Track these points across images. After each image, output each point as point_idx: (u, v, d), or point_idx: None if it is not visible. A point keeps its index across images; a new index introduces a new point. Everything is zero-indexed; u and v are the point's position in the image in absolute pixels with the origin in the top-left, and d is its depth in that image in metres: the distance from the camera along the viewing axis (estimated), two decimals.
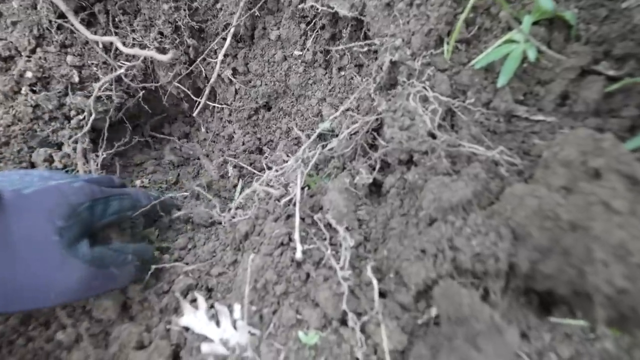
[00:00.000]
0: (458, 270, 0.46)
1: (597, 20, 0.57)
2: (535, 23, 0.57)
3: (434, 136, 0.53)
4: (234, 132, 0.97)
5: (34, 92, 0.74)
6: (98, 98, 0.80)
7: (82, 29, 0.66)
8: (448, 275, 0.46)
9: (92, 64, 0.80)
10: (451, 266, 0.45)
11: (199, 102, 0.83)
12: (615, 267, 0.36)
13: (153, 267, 0.62)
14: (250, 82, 0.91)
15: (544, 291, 0.45)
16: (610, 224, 0.37)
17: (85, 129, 0.73)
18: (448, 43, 0.56)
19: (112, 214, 0.58)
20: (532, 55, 0.51)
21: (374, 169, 0.60)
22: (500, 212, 0.46)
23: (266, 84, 0.89)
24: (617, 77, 0.53)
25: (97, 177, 0.68)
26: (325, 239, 0.55)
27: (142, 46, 0.79)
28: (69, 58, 0.78)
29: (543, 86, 0.55)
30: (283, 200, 0.61)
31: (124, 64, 0.69)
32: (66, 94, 0.74)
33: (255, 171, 0.88)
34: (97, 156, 0.77)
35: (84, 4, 0.78)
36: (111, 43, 0.65)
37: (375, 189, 0.64)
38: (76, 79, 0.77)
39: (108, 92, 0.77)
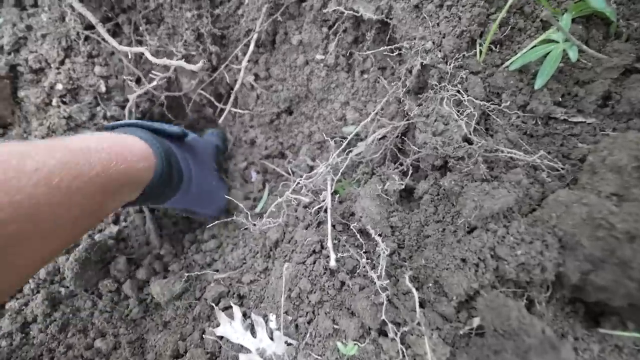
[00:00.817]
0: (501, 280, 0.45)
1: (639, 15, 0.54)
2: (572, 21, 0.55)
3: (469, 141, 0.52)
4: (256, 137, 0.97)
5: (64, 103, 0.76)
6: (122, 107, 0.81)
7: (111, 40, 0.67)
8: (490, 285, 0.44)
9: (118, 73, 0.81)
10: (493, 276, 0.44)
11: (224, 109, 0.83)
12: None
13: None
14: (271, 87, 0.91)
15: (591, 302, 0.44)
16: None
17: None
18: (481, 45, 0.54)
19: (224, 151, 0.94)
20: (573, 55, 0.49)
21: (405, 174, 0.59)
22: (545, 219, 0.44)
23: (288, 89, 0.89)
24: None
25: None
26: (358, 247, 0.55)
27: (168, 55, 0.80)
28: (97, 68, 0.79)
29: (582, 87, 0.53)
30: (314, 208, 0.61)
31: (155, 75, 0.70)
32: (97, 105, 0.76)
33: (283, 172, 0.88)
34: None
35: (109, 15, 0.80)
36: (141, 54, 0.66)
37: (406, 195, 0.63)
38: (103, 89, 0.78)
39: (136, 101, 0.78)
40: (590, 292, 0.41)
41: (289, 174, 0.85)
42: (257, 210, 0.82)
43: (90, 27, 0.78)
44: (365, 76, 0.81)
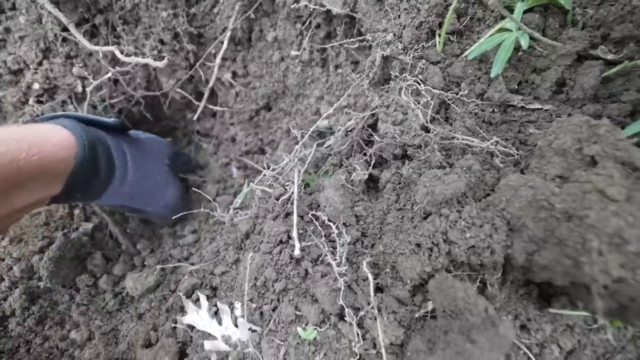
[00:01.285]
0: (454, 263, 0.46)
1: (594, 3, 0.55)
2: (529, 10, 0.56)
3: (427, 130, 0.53)
4: (236, 134, 0.99)
5: (40, 102, 0.78)
6: (94, 107, 0.82)
7: (83, 40, 0.69)
8: (444, 268, 0.45)
9: (96, 73, 0.83)
10: (446, 259, 0.45)
11: (199, 106, 0.84)
12: (611, 256, 0.35)
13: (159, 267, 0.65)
14: (249, 84, 0.93)
15: (543, 283, 0.45)
16: (605, 213, 0.36)
17: None
18: (439, 35, 0.55)
19: (181, 165, 0.86)
20: (524, 43, 0.50)
21: (370, 164, 0.60)
22: (496, 203, 0.45)
23: (265, 85, 0.90)
24: (616, 61, 0.51)
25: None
26: (322, 236, 0.56)
27: (143, 54, 0.82)
28: (75, 69, 0.81)
29: (539, 74, 0.54)
30: (282, 199, 0.62)
31: (127, 71, 0.71)
32: (71, 103, 0.77)
33: (260, 168, 0.89)
34: None
35: (86, 16, 0.81)
36: (113, 53, 0.68)
37: (373, 185, 0.64)
38: (80, 89, 0.80)
39: (112, 100, 0.79)
40: (536, 272, 0.42)
41: (267, 169, 0.86)
42: (237, 205, 0.84)
43: (68, 28, 0.80)
44: (339, 70, 0.82)
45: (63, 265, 0.66)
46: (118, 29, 0.84)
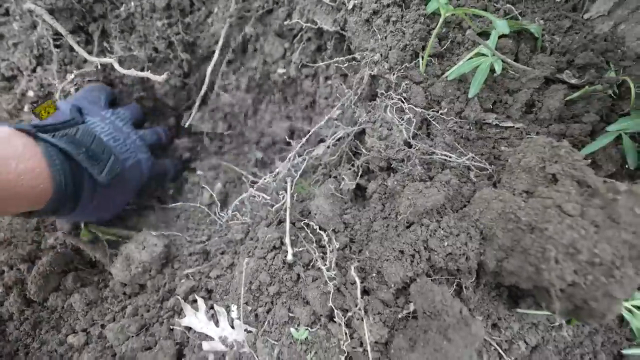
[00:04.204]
0: (433, 268, 0.50)
1: (561, 31, 0.61)
2: (503, 35, 0.61)
3: (410, 145, 0.57)
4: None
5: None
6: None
7: (81, 50, 0.70)
8: (424, 273, 0.50)
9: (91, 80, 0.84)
10: (427, 265, 0.50)
11: (191, 114, 0.87)
12: (566, 264, 0.40)
13: None
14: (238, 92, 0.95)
15: (512, 285, 0.50)
16: (562, 226, 0.41)
17: None
18: (422, 57, 0.60)
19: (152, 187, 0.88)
20: (498, 68, 0.55)
21: (357, 175, 0.65)
22: (471, 214, 0.50)
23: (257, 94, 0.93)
24: (579, 85, 0.57)
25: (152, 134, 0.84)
26: (313, 242, 0.60)
27: (139, 62, 0.83)
28: (69, 76, 0.82)
29: (511, 95, 0.59)
30: (275, 207, 0.65)
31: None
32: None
33: (252, 177, 0.92)
34: None
35: (80, 24, 0.82)
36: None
37: (361, 193, 0.68)
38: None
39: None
40: (504, 277, 0.47)
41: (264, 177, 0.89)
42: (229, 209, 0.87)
43: (61, 35, 0.81)
44: (329, 82, 0.86)
45: (51, 279, 0.67)
46: (111, 37, 0.85)
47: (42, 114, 0.62)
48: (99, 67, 0.70)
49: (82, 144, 0.59)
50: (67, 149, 0.56)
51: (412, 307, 0.51)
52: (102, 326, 0.63)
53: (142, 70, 0.79)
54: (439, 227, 0.50)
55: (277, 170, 0.65)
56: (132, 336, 0.61)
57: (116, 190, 0.68)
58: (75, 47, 0.70)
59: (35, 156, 0.53)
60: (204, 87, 0.85)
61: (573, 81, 0.57)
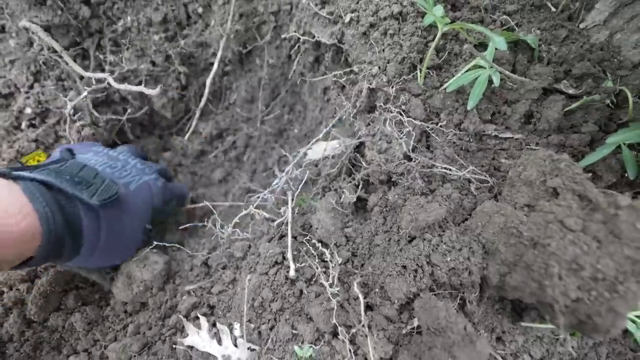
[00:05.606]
0: (437, 283, 0.50)
1: (558, 41, 0.61)
2: None
3: (409, 158, 0.57)
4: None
5: (33, 126, 0.78)
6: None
7: (76, 67, 0.70)
8: (427, 288, 0.50)
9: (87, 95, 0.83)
10: (430, 280, 0.50)
11: (189, 127, 0.86)
12: (569, 280, 0.40)
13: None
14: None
15: (515, 299, 0.50)
16: (564, 241, 0.41)
17: None
18: (420, 70, 0.60)
19: (168, 213, 0.78)
20: (496, 80, 0.55)
21: (358, 187, 0.65)
22: (472, 228, 0.50)
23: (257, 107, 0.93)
24: (577, 96, 0.57)
25: (160, 166, 0.79)
26: (315, 257, 0.59)
27: (137, 76, 0.83)
28: (66, 92, 0.82)
29: (510, 106, 0.59)
30: (276, 221, 0.65)
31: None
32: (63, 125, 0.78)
33: (256, 188, 0.92)
34: None
35: (77, 40, 0.82)
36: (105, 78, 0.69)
37: (361, 205, 0.68)
38: (72, 112, 0.81)
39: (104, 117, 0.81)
40: (508, 291, 0.47)
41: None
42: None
43: (57, 50, 0.80)
44: (327, 94, 0.86)
45: (52, 299, 0.66)
46: (107, 52, 0.85)
47: (29, 162, 0.58)
48: (94, 82, 0.70)
49: (65, 172, 0.53)
50: (46, 180, 0.50)
51: (416, 322, 0.51)
52: (104, 346, 0.63)
53: (139, 84, 0.80)
54: (441, 241, 0.50)
55: (275, 182, 0.65)
56: (135, 355, 0.60)
57: (125, 216, 0.61)
58: (71, 63, 0.69)
59: (13, 194, 0.47)
60: (204, 99, 0.85)
61: (571, 91, 0.58)
